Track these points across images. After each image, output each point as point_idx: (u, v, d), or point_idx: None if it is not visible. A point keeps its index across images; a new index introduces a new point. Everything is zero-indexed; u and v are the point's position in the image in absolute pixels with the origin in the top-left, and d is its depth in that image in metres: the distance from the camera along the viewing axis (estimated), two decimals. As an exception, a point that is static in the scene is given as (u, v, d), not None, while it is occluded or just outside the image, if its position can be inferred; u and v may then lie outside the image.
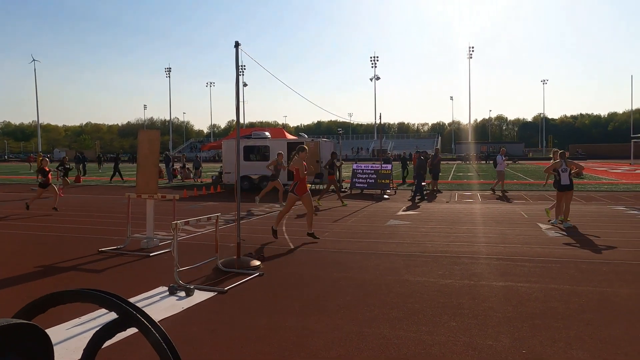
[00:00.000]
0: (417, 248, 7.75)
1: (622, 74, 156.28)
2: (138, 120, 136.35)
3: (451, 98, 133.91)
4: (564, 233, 9.04)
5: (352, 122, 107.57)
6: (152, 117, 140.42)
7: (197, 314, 4.73)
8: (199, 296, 5.24)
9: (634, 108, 75.25)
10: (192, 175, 26.59)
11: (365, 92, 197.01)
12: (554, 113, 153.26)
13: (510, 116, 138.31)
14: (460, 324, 4.34)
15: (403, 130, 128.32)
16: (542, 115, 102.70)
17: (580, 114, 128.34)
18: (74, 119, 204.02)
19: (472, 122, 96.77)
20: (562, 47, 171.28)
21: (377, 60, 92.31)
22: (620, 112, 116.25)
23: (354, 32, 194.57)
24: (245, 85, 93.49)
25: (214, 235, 6.50)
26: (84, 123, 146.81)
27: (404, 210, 12.75)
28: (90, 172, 33.56)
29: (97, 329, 0.91)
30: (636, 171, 32.17)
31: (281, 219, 8.73)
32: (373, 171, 17.70)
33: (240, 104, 6.89)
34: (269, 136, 20.47)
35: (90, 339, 0.90)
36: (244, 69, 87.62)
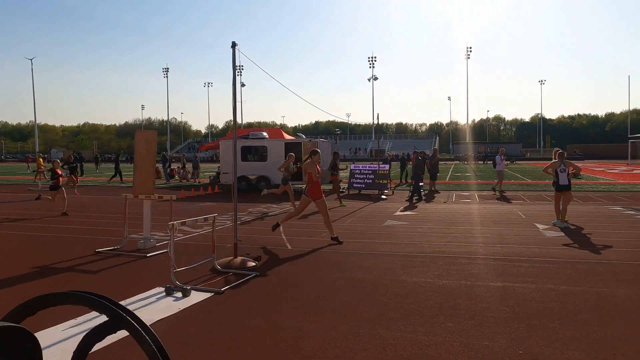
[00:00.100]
0: (414, 248, 7.75)
1: (620, 75, 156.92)
2: (136, 120, 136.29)
3: (449, 98, 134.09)
4: (562, 233, 9.06)
5: (350, 122, 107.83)
6: (149, 118, 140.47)
7: (194, 314, 4.72)
8: (196, 297, 5.23)
9: (631, 108, 75.60)
10: (190, 176, 26.56)
11: (364, 92, 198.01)
12: (551, 113, 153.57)
13: (508, 116, 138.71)
14: (457, 324, 4.34)
15: (401, 130, 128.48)
16: (539, 116, 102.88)
17: (578, 115, 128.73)
18: (72, 119, 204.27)
19: (469, 122, 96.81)
20: (560, 48, 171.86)
21: (375, 61, 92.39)
22: (618, 112, 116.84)
23: (353, 32, 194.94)
24: (243, 85, 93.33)
25: (211, 236, 6.49)
26: (82, 123, 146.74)
27: (401, 211, 12.76)
28: (87, 172, 33.50)
29: (88, 331, 0.91)
30: (633, 171, 32.26)
31: (289, 218, 8.72)
32: (371, 171, 17.72)
33: (238, 104, 6.88)
34: (267, 136, 20.46)
35: (80, 342, 0.90)
36: (242, 69, 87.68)
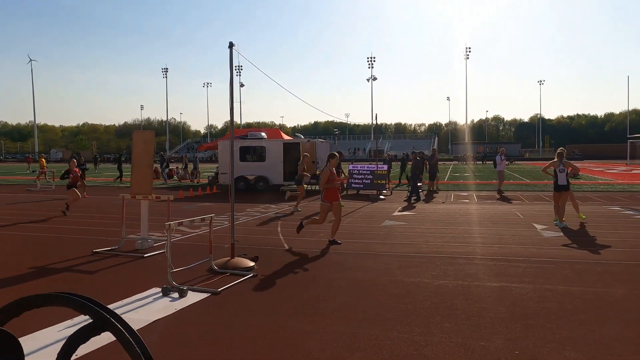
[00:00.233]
0: (412, 249, 7.75)
1: (619, 75, 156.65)
2: (135, 120, 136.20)
3: (448, 99, 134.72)
4: (560, 233, 9.06)
5: (349, 122, 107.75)
6: (149, 118, 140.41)
7: (191, 315, 4.71)
8: (193, 297, 5.22)
9: (630, 109, 75.60)
10: (188, 176, 26.55)
11: (364, 92, 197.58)
12: (550, 113, 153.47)
13: (507, 117, 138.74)
14: (454, 324, 4.34)
15: (400, 130, 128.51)
16: (538, 116, 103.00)
17: (577, 115, 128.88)
18: (71, 119, 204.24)
19: (468, 122, 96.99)
20: (559, 48, 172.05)
21: (374, 61, 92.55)
22: (617, 112, 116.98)
23: (353, 32, 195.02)
24: (242, 85, 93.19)
25: (208, 236, 6.48)
26: (81, 123, 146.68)
27: (399, 211, 12.76)
28: (86, 172, 33.42)
29: (71, 333, 0.90)
30: (632, 171, 32.28)
31: (314, 223, 8.42)
32: (369, 172, 17.71)
33: (237, 104, 6.88)
34: (265, 137, 20.45)
35: (64, 344, 0.89)
36: (241, 69, 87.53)
